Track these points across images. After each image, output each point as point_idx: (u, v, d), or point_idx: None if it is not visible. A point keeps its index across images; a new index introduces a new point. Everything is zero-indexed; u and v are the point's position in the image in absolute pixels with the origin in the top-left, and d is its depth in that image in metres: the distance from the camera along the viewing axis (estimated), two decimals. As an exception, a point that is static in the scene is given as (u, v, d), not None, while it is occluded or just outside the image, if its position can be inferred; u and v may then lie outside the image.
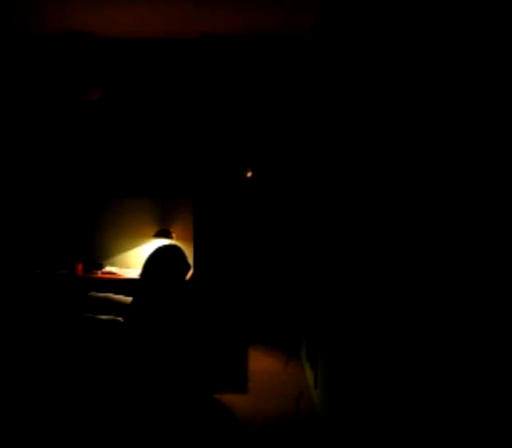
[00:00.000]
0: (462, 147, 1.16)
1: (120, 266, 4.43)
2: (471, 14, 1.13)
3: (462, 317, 1.14)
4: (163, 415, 2.95)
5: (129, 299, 3.56)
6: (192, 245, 4.34)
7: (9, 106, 4.36)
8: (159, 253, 3.42)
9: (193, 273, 4.24)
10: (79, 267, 4.16)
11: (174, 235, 4.33)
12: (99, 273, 4.18)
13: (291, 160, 4.36)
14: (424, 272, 1.38)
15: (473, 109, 1.12)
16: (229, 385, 3.42)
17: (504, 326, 0.97)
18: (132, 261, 4.44)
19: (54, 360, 3.23)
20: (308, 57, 3.87)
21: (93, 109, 4.39)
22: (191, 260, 4.24)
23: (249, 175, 3.57)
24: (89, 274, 4.15)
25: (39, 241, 4.44)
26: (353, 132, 2.30)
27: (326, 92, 3.03)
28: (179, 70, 4.34)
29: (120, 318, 3.25)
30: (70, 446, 2.58)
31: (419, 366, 1.40)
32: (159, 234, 4.28)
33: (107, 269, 4.28)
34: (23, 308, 3.86)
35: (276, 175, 4.38)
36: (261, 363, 3.86)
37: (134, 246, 4.44)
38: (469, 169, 1.13)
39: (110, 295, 3.66)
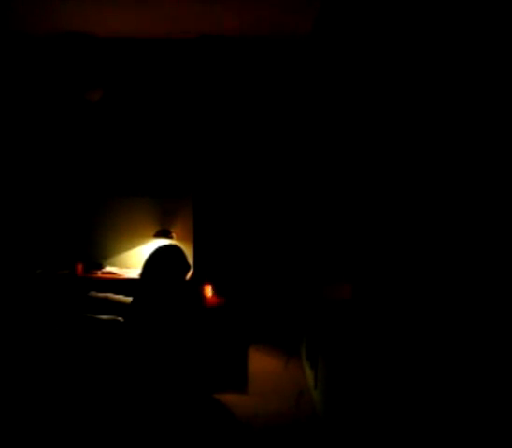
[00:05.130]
0: (467, 147, 1.16)
1: (120, 266, 4.43)
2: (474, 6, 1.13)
3: (460, 318, 1.14)
4: (163, 415, 2.95)
5: (129, 299, 3.55)
6: (192, 245, 4.34)
7: (9, 107, 4.36)
8: (159, 253, 3.42)
9: (193, 273, 4.24)
10: (79, 267, 4.16)
11: (174, 235, 4.33)
12: (99, 273, 4.18)
13: (293, 159, 4.35)
14: (423, 272, 1.38)
15: (485, 106, 1.11)
16: (229, 385, 3.42)
17: (502, 325, 0.97)
18: (132, 261, 4.44)
19: (54, 360, 3.23)
20: (310, 55, 3.87)
21: (93, 109, 4.39)
22: (191, 260, 4.24)
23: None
24: (89, 274, 4.15)
25: (39, 241, 4.44)
26: (355, 132, 2.30)
27: (329, 89, 3.03)
28: (179, 70, 4.34)
29: (120, 318, 3.25)
30: (70, 446, 2.58)
31: (418, 366, 1.40)
32: (159, 234, 4.28)
33: (107, 269, 4.28)
34: (23, 308, 3.86)
35: (276, 176, 4.38)
36: (261, 363, 3.85)
37: (134, 246, 4.44)
38: (469, 169, 1.13)
39: (110, 295, 3.66)
